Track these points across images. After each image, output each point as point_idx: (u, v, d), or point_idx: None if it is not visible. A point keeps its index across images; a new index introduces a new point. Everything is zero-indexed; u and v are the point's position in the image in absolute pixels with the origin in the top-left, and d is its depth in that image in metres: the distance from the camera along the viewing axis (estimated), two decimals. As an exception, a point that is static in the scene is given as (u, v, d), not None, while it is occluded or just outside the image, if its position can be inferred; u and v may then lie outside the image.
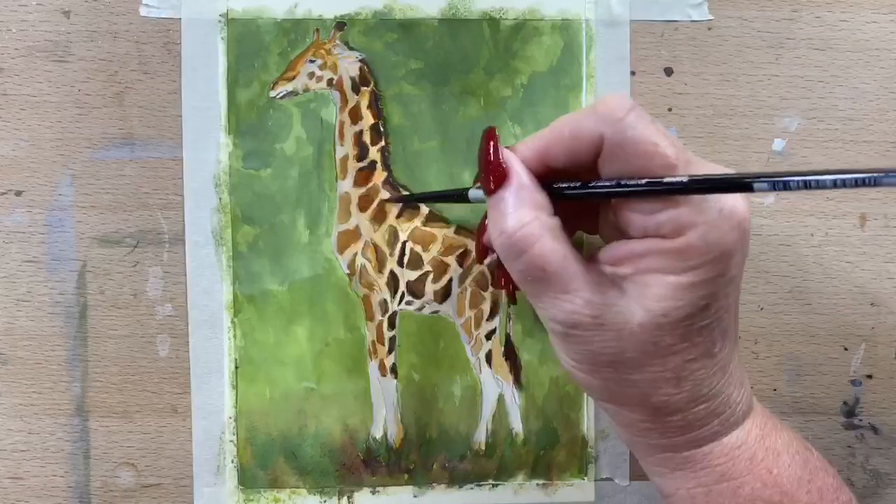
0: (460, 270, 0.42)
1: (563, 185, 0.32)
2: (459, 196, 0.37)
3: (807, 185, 0.27)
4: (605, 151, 0.30)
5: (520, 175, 0.31)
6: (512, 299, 0.38)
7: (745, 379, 0.33)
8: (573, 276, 0.30)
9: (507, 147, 0.32)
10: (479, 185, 0.34)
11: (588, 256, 0.32)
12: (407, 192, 0.41)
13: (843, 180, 0.26)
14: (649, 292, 0.29)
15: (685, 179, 0.29)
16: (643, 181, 0.29)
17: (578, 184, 0.31)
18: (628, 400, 0.32)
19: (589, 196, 0.31)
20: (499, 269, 0.38)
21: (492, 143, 0.31)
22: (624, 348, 0.30)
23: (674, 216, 0.29)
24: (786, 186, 0.27)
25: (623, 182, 0.30)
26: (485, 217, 0.38)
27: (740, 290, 0.32)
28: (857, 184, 0.26)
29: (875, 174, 0.25)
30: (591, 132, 0.30)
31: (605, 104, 0.30)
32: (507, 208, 0.31)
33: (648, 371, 0.31)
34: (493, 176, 0.31)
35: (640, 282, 0.30)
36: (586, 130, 0.30)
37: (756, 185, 0.27)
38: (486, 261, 0.41)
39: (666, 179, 0.29)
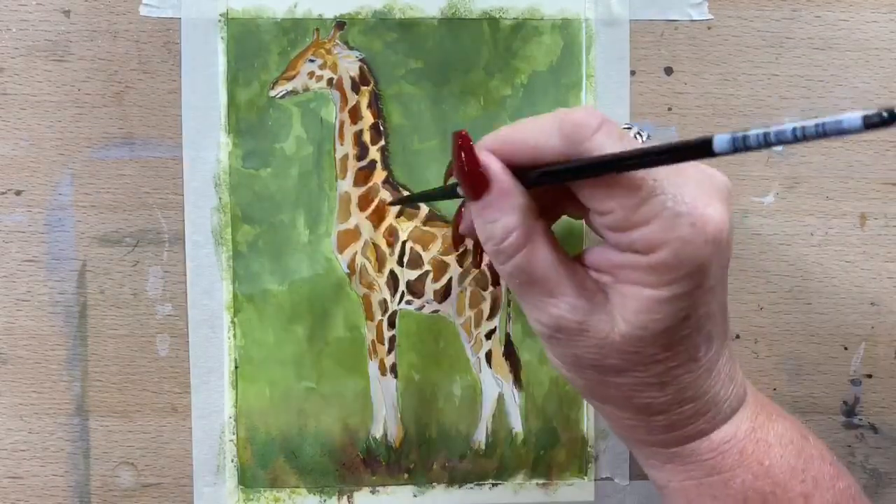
0: (460, 270, 0.42)
1: (538, 174, 0.30)
2: (450, 193, 0.36)
3: (767, 141, 0.25)
4: None
5: (501, 180, 0.30)
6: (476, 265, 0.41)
7: (737, 373, 0.33)
8: (559, 281, 0.30)
9: (475, 144, 0.30)
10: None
11: (575, 255, 0.32)
12: (407, 192, 0.41)
13: (804, 128, 0.24)
14: (629, 304, 0.29)
15: (645, 150, 0.27)
16: (601, 157, 0.28)
17: (551, 170, 0.30)
18: (613, 400, 0.32)
19: (557, 180, 0.30)
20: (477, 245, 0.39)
21: (465, 150, 0.30)
22: (606, 355, 0.30)
23: (645, 234, 0.28)
24: (746, 144, 0.24)
25: (578, 160, 0.28)
26: (460, 208, 0.37)
27: (727, 290, 0.32)
28: (819, 134, 0.23)
29: (834, 119, 0.23)
30: (553, 150, 0.28)
31: (571, 121, 0.28)
32: (492, 215, 0.30)
33: (631, 376, 0.30)
34: (475, 183, 0.30)
35: (620, 292, 0.29)
36: (549, 148, 0.28)
37: (717, 146, 0.25)
38: (461, 249, 0.41)
39: (626, 152, 0.27)
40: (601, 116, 0.28)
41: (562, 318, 0.30)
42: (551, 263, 0.30)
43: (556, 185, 0.30)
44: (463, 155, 0.30)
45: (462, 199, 0.36)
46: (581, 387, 0.32)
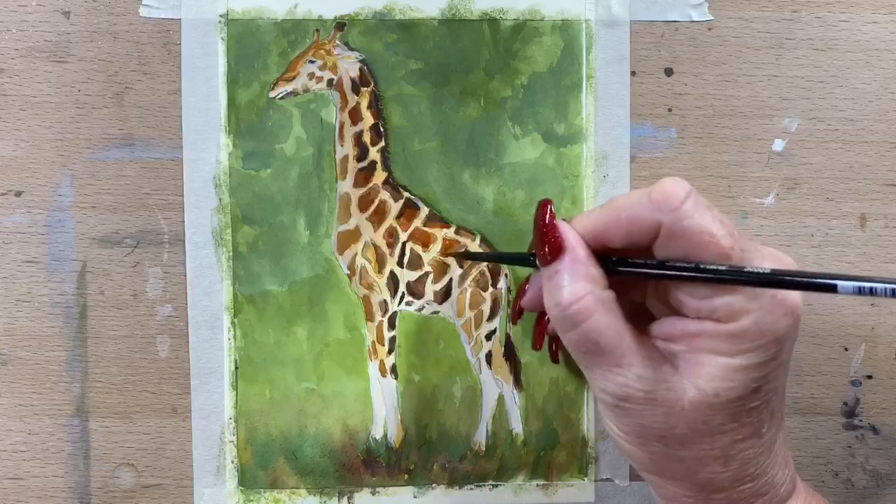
0: (460, 271, 0.42)
1: (617, 261, 0.32)
2: (524, 260, 0.37)
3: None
4: (661, 238, 0.30)
5: (575, 249, 0.32)
6: (555, 360, 0.40)
7: (790, 459, 0.34)
8: (626, 351, 0.31)
9: (564, 220, 0.33)
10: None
11: (641, 329, 0.32)
12: (407, 193, 0.41)
13: None
14: (702, 371, 0.30)
15: (743, 270, 0.29)
16: (705, 267, 0.30)
17: (635, 261, 0.32)
18: (674, 474, 0.32)
19: (643, 276, 0.32)
20: (554, 339, 0.39)
21: (547, 215, 0.32)
22: (674, 424, 0.31)
23: (728, 302, 0.30)
24: (872, 292, 0.28)
25: (683, 266, 0.30)
26: (525, 281, 0.38)
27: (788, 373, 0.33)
28: None
29: None
30: (648, 220, 0.30)
31: (662, 191, 0.30)
32: (563, 281, 0.31)
33: (697, 448, 0.31)
34: (549, 248, 0.32)
35: (692, 360, 0.30)
36: (643, 218, 0.30)
37: (841, 287, 0.28)
38: (518, 323, 0.42)
39: (721, 268, 0.30)
40: (688, 187, 0.30)
41: (628, 386, 0.31)
42: (618, 333, 0.31)
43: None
44: (543, 219, 0.32)
45: (528, 275, 0.38)
46: (644, 461, 0.33)
